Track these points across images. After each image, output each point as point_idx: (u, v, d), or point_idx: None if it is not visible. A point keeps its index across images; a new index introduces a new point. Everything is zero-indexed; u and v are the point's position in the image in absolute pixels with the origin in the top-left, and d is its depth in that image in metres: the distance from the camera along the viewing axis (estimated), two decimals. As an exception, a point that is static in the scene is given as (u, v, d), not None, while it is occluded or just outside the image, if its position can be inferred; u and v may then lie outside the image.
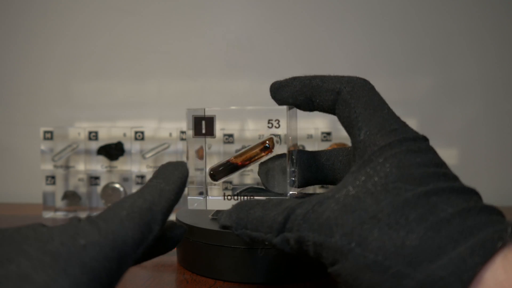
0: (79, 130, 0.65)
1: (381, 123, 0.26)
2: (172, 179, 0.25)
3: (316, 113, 0.30)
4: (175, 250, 0.43)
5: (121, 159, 0.65)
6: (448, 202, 0.22)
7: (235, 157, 0.30)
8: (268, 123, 0.30)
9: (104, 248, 0.20)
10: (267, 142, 0.30)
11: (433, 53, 0.77)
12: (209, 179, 0.31)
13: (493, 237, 0.20)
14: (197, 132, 0.30)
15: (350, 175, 0.25)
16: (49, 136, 0.64)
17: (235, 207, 0.29)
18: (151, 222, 0.23)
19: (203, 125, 0.29)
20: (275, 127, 0.30)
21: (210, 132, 0.29)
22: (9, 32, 0.77)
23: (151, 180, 0.25)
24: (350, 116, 0.27)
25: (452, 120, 0.78)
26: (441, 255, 0.20)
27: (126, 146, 0.65)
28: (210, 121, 0.29)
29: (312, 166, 0.33)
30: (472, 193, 0.23)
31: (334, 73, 0.29)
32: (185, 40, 0.77)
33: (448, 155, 0.78)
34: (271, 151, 0.30)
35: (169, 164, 0.26)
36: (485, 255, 0.19)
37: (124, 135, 0.65)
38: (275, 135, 0.30)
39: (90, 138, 0.65)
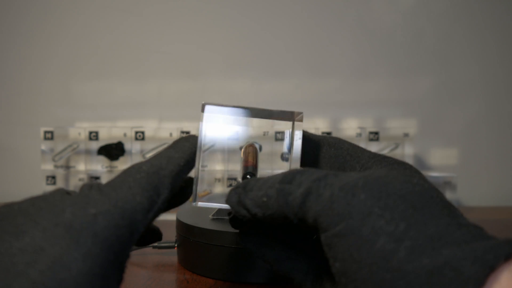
0: (79, 130, 0.65)
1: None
2: (182, 149, 0.26)
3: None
4: (175, 250, 0.43)
5: (121, 159, 0.65)
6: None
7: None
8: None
9: (114, 216, 0.21)
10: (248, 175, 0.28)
11: (434, 53, 0.77)
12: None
13: (502, 243, 0.19)
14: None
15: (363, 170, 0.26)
16: (49, 136, 0.64)
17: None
18: (159, 186, 0.23)
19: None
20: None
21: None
22: (10, 32, 0.77)
23: (160, 151, 0.26)
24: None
25: (452, 120, 0.78)
26: (463, 244, 0.19)
27: (127, 146, 0.65)
28: None
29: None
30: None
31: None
32: (186, 41, 0.77)
33: (448, 155, 0.78)
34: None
35: (181, 138, 0.27)
36: (504, 254, 0.18)
37: (125, 135, 0.65)
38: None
39: (90, 138, 0.65)
